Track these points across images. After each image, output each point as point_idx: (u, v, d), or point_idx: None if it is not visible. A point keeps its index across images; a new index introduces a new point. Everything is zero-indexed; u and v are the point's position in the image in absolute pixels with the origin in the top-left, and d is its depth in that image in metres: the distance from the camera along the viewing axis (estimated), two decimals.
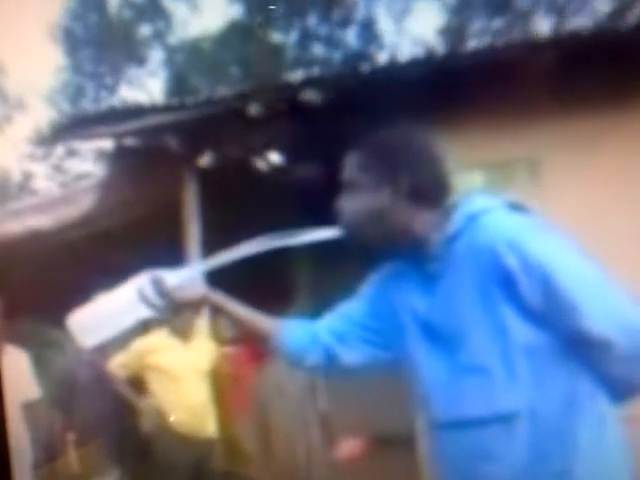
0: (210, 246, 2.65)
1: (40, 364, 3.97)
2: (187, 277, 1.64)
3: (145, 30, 16.02)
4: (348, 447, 4.19)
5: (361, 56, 13.44)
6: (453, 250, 1.44)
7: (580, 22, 12.14)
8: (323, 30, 14.48)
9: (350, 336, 1.63)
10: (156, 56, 16.08)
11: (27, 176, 16.62)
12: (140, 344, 4.21)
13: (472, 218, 1.44)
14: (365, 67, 5.15)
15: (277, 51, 14.02)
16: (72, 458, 4.70)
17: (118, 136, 5.16)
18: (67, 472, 4.66)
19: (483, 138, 4.29)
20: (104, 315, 1.66)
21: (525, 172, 4.31)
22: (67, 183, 14.78)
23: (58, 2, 15.66)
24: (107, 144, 5.84)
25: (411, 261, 1.52)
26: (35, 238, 5.42)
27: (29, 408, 3.42)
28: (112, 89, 16.33)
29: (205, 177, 5.22)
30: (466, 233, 1.43)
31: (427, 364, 1.47)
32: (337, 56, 14.19)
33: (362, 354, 1.63)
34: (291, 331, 1.67)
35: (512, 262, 1.35)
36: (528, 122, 4.14)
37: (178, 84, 14.39)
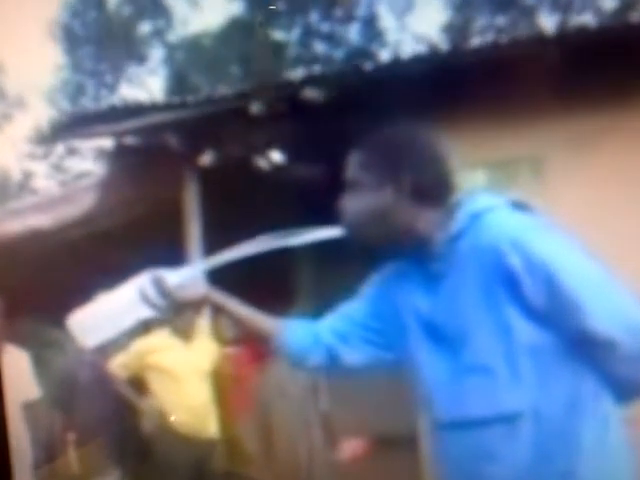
0: (211, 245, 2.64)
1: (40, 364, 3.97)
2: (188, 276, 1.63)
3: (145, 28, 16.04)
4: (350, 447, 4.19)
5: (363, 54, 13.44)
6: (456, 249, 1.44)
7: (584, 20, 12.14)
8: (325, 27, 14.49)
9: (352, 336, 1.62)
10: (156, 54, 16.11)
11: (27, 175, 16.64)
12: (141, 344, 4.20)
13: (475, 217, 1.43)
14: (367, 65, 5.12)
15: (278, 49, 14.03)
16: (72, 458, 4.71)
17: (118, 135, 5.15)
18: (67, 472, 4.66)
19: (486, 136, 4.29)
20: (104, 315, 1.65)
21: (528, 170, 4.31)
22: (67, 182, 14.81)
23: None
24: (107, 143, 5.85)
25: (414, 260, 1.51)
26: (35, 237, 5.42)
27: (29, 408, 3.42)
28: (112, 87, 16.35)
29: (206, 176, 5.22)
30: (469, 232, 1.43)
31: (430, 364, 1.47)
32: (339, 54, 14.21)
33: (364, 354, 1.62)
34: (293, 331, 1.66)
35: (516, 261, 1.35)
36: (531, 120, 4.13)
37: (178, 82, 14.40)
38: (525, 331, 1.35)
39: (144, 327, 4.01)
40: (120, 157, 5.40)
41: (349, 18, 14.41)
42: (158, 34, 15.94)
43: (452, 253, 1.44)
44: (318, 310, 1.74)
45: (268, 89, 4.94)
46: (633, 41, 4.00)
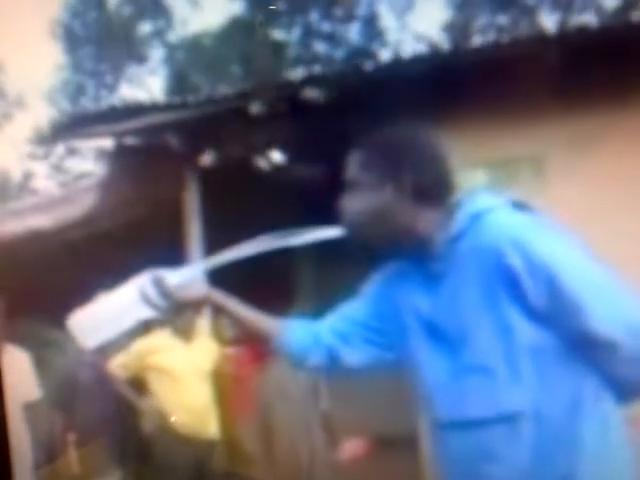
0: (211, 245, 2.64)
1: (41, 364, 3.96)
2: (188, 277, 1.63)
3: (145, 28, 16.04)
4: (351, 448, 4.18)
5: (364, 53, 13.43)
6: (457, 249, 1.43)
7: (585, 19, 12.14)
8: (325, 27, 14.48)
9: (353, 336, 1.62)
10: (156, 54, 16.10)
11: (27, 175, 16.63)
12: (141, 344, 4.19)
13: (476, 217, 1.43)
14: (368, 64, 5.12)
15: (279, 48, 14.02)
16: (73, 459, 4.70)
17: (118, 135, 5.15)
18: (68, 473, 4.65)
19: (486, 136, 4.28)
20: (105, 315, 1.65)
21: (529, 170, 4.30)
22: (67, 182, 14.81)
23: None
24: (107, 143, 5.84)
25: (414, 260, 1.51)
26: (35, 238, 5.42)
27: (30, 408, 3.42)
28: (112, 87, 16.34)
29: (206, 176, 5.22)
30: (470, 232, 1.43)
31: (430, 364, 1.47)
32: (339, 53, 14.20)
33: (365, 354, 1.62)
34: (293, 331, 1.66)
35: (516, 262, 1.34)
36: (532, 120, 4.12)
37: (179, 82, 14.39)
38: (526, 331, 1.35)
39: (144, 327, 4.00)
40: (120, 157, 5.40)
41: (349, 18, 14.40)
42: (158, 34, 15.93)
43: (452, 253, 1.44)
44: (318, 310, 1.74)
45: (268, 89, 4.94)
46: (634, 41, 4.00)
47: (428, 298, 1.47)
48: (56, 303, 2.81)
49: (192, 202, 5.12)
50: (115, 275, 1.78)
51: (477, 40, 13.02)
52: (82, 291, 2.55)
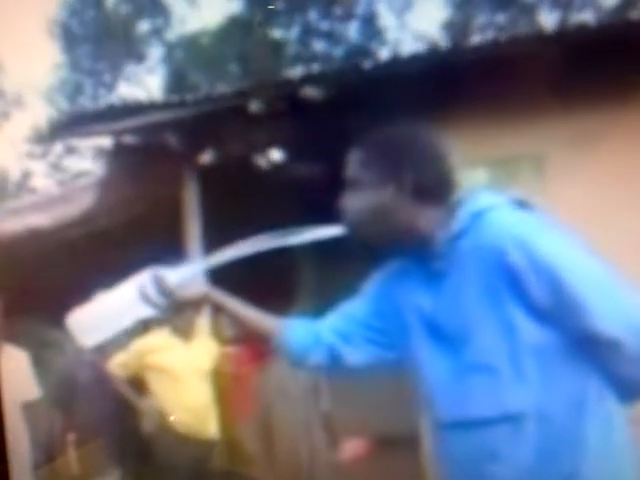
0: (211, 244, 2.63)
1: (40, 364, 3.95)
2: (188, 275, 1.63)
3: (144, 26, 16.01)
4: (351, 448, 4.17)
5: (363, 52, 13.42)
6: (458, 248, 1.43)
7: (584, 17, 12.14)
8: (324, 26, 14.47)
9: (354, 336, 1.62)
10: (155, 52, 16.07)
11: (25, 174, 16.59)
12: (141, 344, 4.19)
13: (477, 215, 1.43)
14: (367, 63, 5.11)
15: (277, 47, 14.01)
16: (72, 458, 4.69)
17: (117, 134, 5.14)
18: (67, 473, 4.65)
19: (487, 134, 4.28)
20: (104, 314, 1.65)
21: (529, 168, 4.30)
22: (66, 181, 14.79)
23: None
24: (106, 142, 5.84)
25: (415, 259, 1.50)
26: (34, 237, 5.41)
27: (29, 408, 3.42)
28: (110, 86, 16.32)
29: (205, 175, 5.21)
30: (471, 231, 1.42)
31: (432, 363, 1.46)
32: (338, 52, 14.18)
33: (366, 354, 1.62)
34: (293, 330, 1.66)
35: (519, 260, 1.34)
36: (532, 118, 4.12)
37: (177, 81, 14.39)
38: (529, 330, 1.35)
39: (144, 326, 4.00)
40: (119, 156, 5.39)
41: (348, 16, 14.39)
42: (157, 33, 15.92)
43: (454, 252, 1.43)
44: (319, 309, 1.73)
45: (267, 87, 4.93)
46: (633, 38, 4.00)
47: (429, 297, 1.47)
48: (55, 302, 2.80)
49: (191, 201, 5.12)
50: (114, 274, 1.77)
51: (476, 38, 13.04)
52: (81, 290, 2.53)
